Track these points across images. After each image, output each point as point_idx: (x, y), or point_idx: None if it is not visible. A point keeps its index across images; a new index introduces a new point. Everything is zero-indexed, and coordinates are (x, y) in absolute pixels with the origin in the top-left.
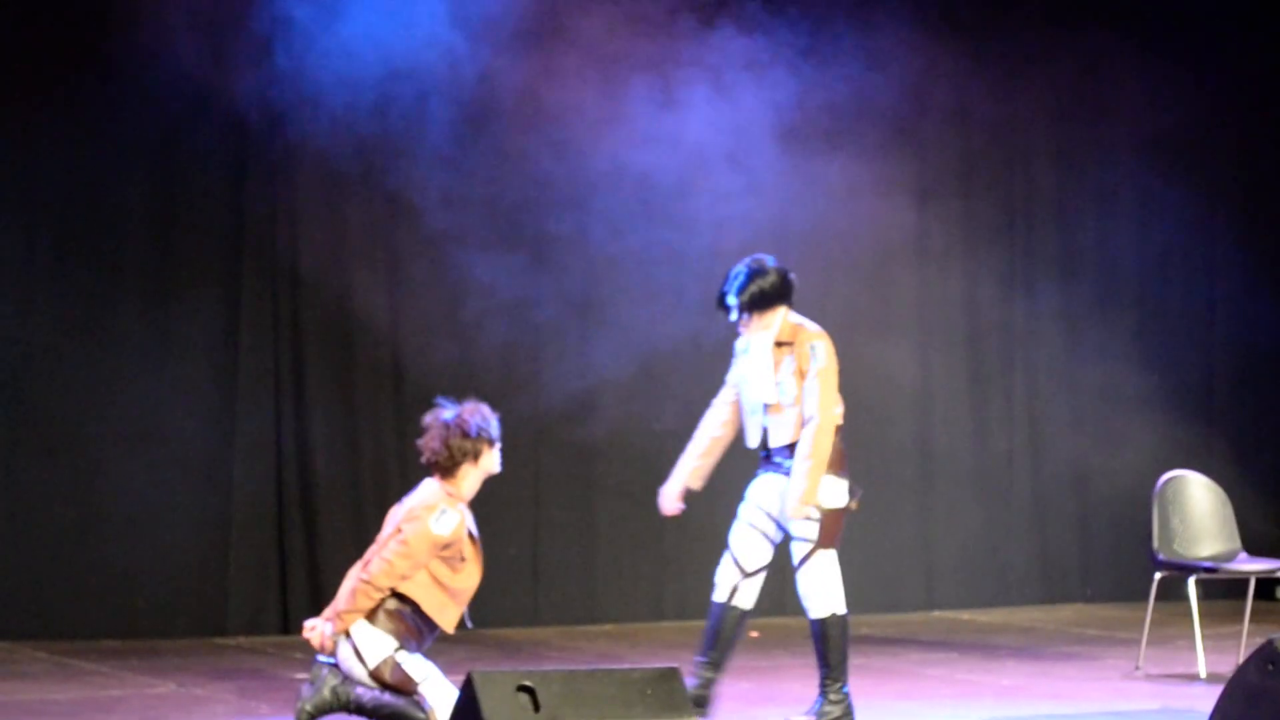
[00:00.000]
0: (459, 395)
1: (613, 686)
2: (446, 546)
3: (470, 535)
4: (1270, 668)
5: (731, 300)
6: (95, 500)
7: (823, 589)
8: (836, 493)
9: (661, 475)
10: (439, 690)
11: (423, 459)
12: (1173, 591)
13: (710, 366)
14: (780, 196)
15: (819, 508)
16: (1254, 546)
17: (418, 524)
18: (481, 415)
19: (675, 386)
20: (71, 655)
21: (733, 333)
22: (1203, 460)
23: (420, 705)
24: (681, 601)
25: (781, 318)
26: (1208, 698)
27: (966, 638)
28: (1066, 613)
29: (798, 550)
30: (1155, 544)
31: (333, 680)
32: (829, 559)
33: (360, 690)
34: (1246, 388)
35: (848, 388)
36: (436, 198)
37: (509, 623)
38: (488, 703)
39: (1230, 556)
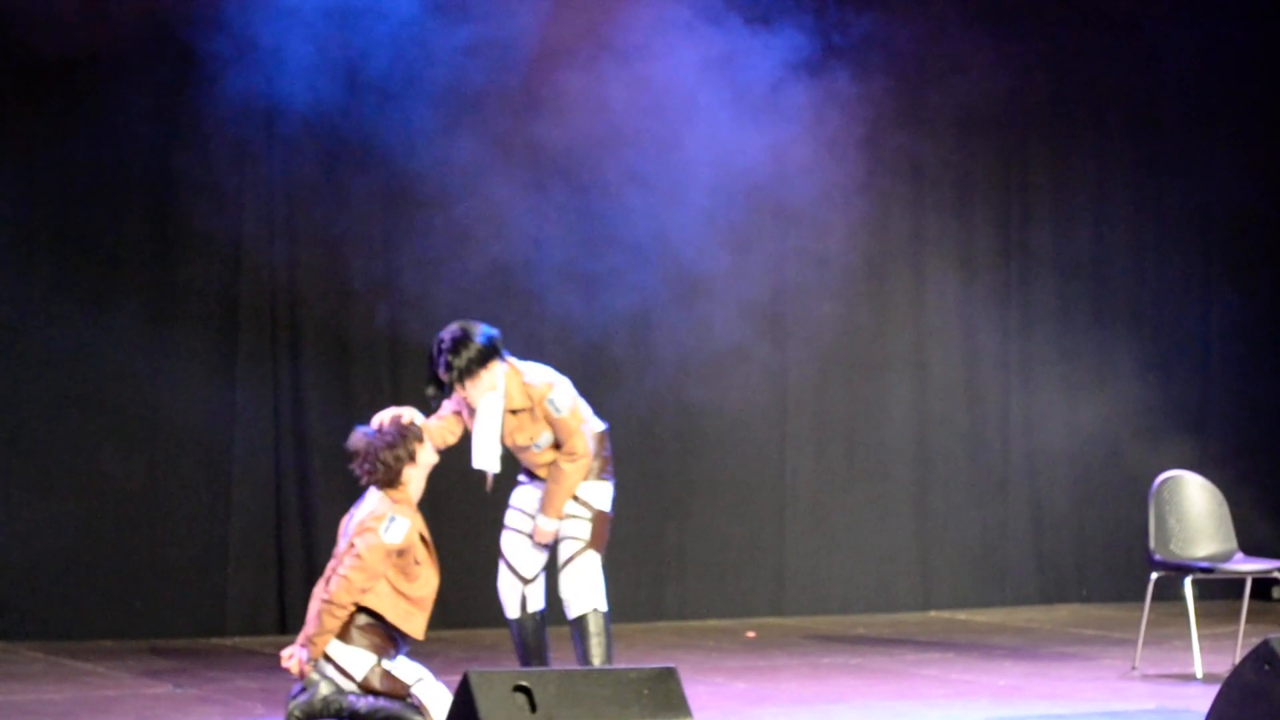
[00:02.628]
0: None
1: (609, 687)
2: (400, 554)
3: (423, 539)
4: (1267, 667)
5: (444, 377)
6: (92, 501)
7: (585, 587)
8: (605, 496)
9: (659, 476)
10: (433, 691)
11: (363, 482)
12: (1169, 591)
13: (712, 369)
14: (773, 189)
15: (591, 509)
16: (1250, 546)
17: (369, 535)
18: (399, 417)
19: (673, 387)
20: (68, 655)
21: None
22: (1199, 460)
23: (415, 707)
24: (681, 602)
25: (503, 376)
26: (1204, 698)
27: (963, 638)
28: (1063, 613)
29: (565, 549)
30: (1152, 544)
31: (325, 689)
32: (594, 560)
33: (353, 698)
34: (1242, 387)
35: (845, 389)
36: (434, 193)
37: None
38: (484, 703)
39: (1227, 556)
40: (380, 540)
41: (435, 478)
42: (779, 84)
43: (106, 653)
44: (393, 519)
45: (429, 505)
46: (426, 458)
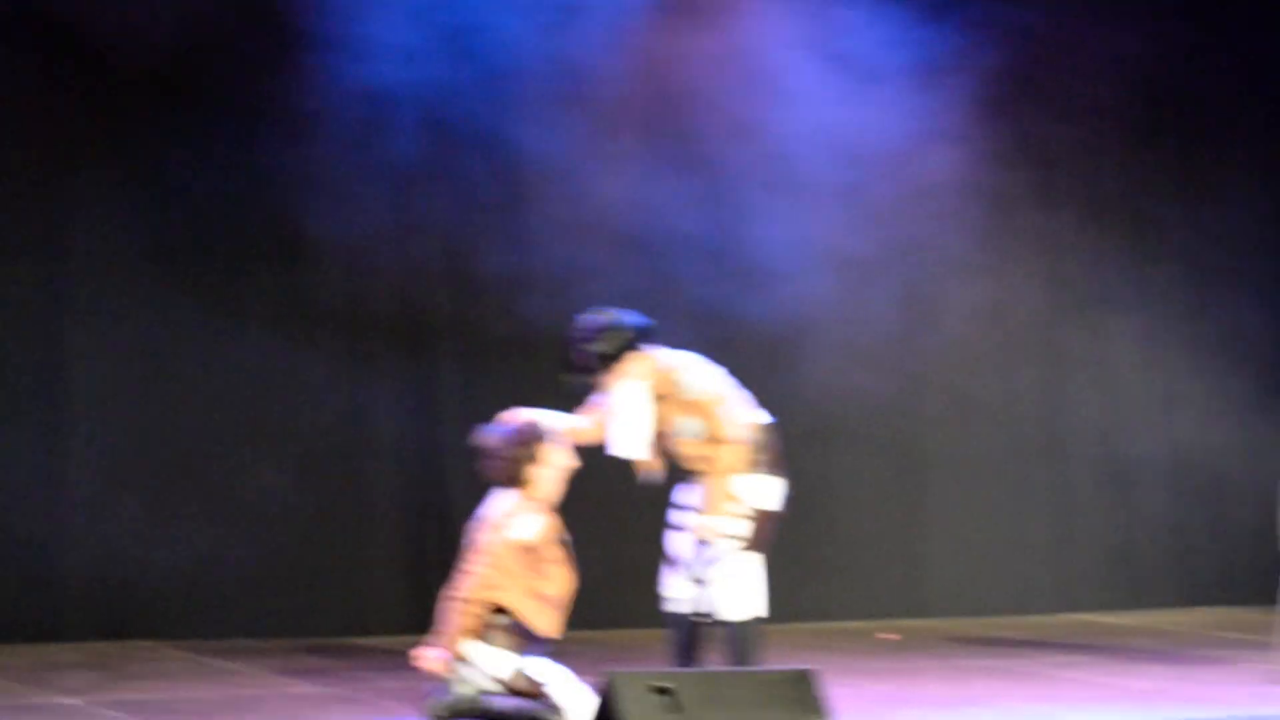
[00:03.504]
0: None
1: (749, 688)
2: (531, 551)
3: (558, 540)
4: None
5: (585, 364)
6: (234, 503)
7: (744, 590)
8: (770, 494)
9: (792, 472)
10: (570, 690)
11: (490, 480)
12: None
13: (845, 360)
14: (894, 174)
15: (754, 507)
16: None
17: (496, 531)
18: (524, 417)
19: (804, 380)
20: (212, 654)
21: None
22: None
23: (555, 707)
24: (819, 602)
25: (648, 365)
26: None
27: (1102, 640)
28: (1204, 615)
29: (722, 548)
30: None
31: (466, 689)
32: (752, 562)
33: (494, 698)
34: None
35: (980, 383)
36: (561, 181)
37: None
38: (625, 703)
39: None
40: (507, 535)
41: (573, 478)
42: (907, 66)
43: (250, 651)
44: (521, 515)
45: (564, 505)
46: (555, 459)
